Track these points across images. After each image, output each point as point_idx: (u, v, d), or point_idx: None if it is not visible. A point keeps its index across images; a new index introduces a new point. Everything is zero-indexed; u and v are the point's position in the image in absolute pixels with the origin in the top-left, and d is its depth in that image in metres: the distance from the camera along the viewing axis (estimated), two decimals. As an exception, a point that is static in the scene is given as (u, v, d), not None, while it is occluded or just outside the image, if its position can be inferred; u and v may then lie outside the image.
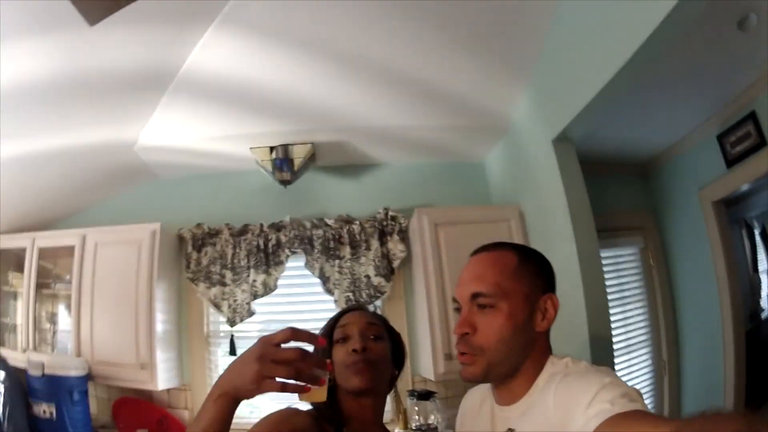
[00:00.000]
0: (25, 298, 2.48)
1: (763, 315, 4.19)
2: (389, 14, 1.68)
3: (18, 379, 2.08)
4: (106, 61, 1.59)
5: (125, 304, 2.25)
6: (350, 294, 2.25)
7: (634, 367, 2.55)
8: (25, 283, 2.49)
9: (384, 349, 1.02)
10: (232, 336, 2.38)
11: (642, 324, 2.63)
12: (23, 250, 2.50)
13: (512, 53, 1.97)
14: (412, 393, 2.17)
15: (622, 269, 2.62)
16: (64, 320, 2.48)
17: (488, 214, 2.21)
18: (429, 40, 1.82)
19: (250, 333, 2.43)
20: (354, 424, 0.96)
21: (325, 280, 2.31)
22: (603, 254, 2.04)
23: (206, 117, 2.11)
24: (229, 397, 0.69)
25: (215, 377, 2.40)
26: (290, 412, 0.91)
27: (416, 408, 2.15)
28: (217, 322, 2.52)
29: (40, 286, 2.50)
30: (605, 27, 1.58)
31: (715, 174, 2.53)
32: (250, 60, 1.78)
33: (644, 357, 2.61)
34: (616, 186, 2.64)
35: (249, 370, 0.66)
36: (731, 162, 2.46)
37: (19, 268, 2.55)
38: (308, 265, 2.34)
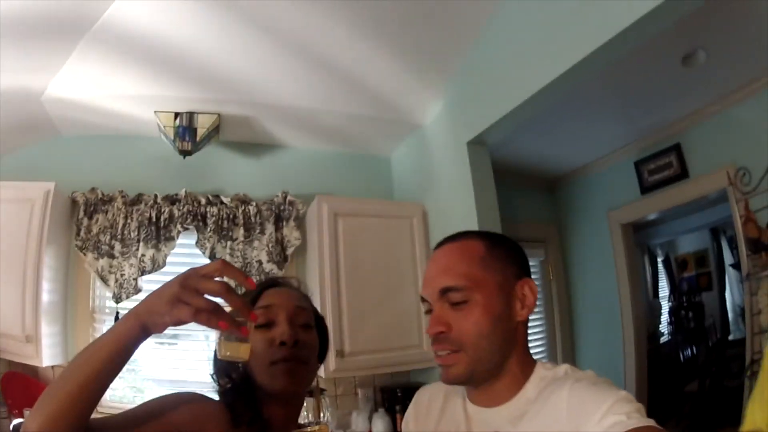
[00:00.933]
0: None
1: (662, 339, 4.49)
2: None
3: None
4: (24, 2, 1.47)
5: (12, 268, 2.06)
6: None
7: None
8: None
9: (314, 341, 0.87)
10: (117, 313, 2.24)
11: (539, 337, 2.70)
12: None
13: (438, 54, 1.98)
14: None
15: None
16: None
17: (391, 209, 2.20)
18: (356, 28, 1.79)
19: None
20: (273, 430, 0.81)
21: (213, 259, 2.21)
22: None
23: (117, 73, 1.98)
24: (138, 319, 0.60)
25: None
26: (198, 397, 0.77)
27: (304, 404, 2.10)
28: (103, 296, 2.35)
29: None
30: (540, 41, 1.61)
31: (627, 198, 2.65)
32: (171, 19, 1.70)
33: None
34: (524, 196, 2.72)
35: (167, 292, 0.59)
36: (646, 189, 2.59)
37: None
38: (199, 244, 2.23)
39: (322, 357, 0.94)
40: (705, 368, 3.93)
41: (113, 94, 2.12)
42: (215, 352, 0.79)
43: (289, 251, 2.25)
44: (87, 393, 0.59)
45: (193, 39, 1.81)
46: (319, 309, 2.00)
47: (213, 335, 2.06)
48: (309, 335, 0.85)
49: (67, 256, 2.35)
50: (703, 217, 3.72)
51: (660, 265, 4.70)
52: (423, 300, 0.78)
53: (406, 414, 0.91)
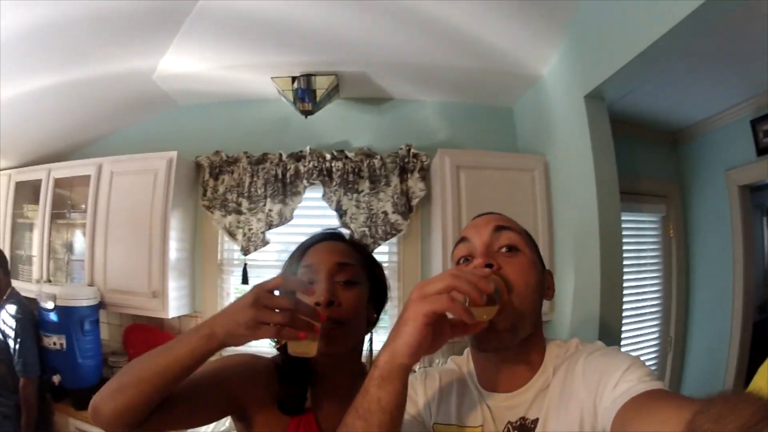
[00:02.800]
0: (40, 229, 2.53)
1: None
2: None
3: (31, 311, 2.11)
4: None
5: (139, 233, 2.28)
6: (366, 229, 2.24)
7: (641, 338, 2.52)
8: (40, 214, 2.54)
9: (357, 299, 0.84)
10: (245, 265, 2.41)
11: (654, 295, 2.60)
12: (39, 182, 2.53)
13: (556, 5, 1.88)
14: None
15: (641, 235, 2.57)
16: (79, 249, 2.53)
17: (512, 162, 2.15)
18: None
19: (263, 262, 2.47)
20: (326, 382, 0.84)
21: (341, 213, 2.30)
22: (623, 217, 1.99)
23: (227, 46, 2.05)
24: (216, 339, 0.67)
25: (227, 303, 2.49)
26: (249, 357, 0.84)
27: None
28: (231, 250, 2.54)
29: (55, 216, 2.54)
30: None
31: (744, 158, 2.47)
32: None
33: (652, 330, 2.59)
34: (644, 150, 2.56)
35: (244, 316, 0.65)
36: (762, 150, 2.38)
37: (35, 199, 2.59)
38: (326, 197, 2.32)
39: (379, 305, 0.93)
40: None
41: (225, 65, 2.20)
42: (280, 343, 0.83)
43: (414, 202, 2.28)
44: (157, 394, 0.68)
45: (298, 5, 1.79)
46: (441, 257, 2.05)
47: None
48: (350, 293, 0.82)
49: (194, 215, 2.54)
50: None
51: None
52: (461, 246, 0.79)
53: (427, 374, 0.86)
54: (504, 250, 0.74)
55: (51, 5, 1.54)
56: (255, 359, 0.85)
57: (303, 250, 0.88)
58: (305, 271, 0.83)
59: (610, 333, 1.85)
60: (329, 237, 0.91)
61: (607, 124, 1.94)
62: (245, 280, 2.41)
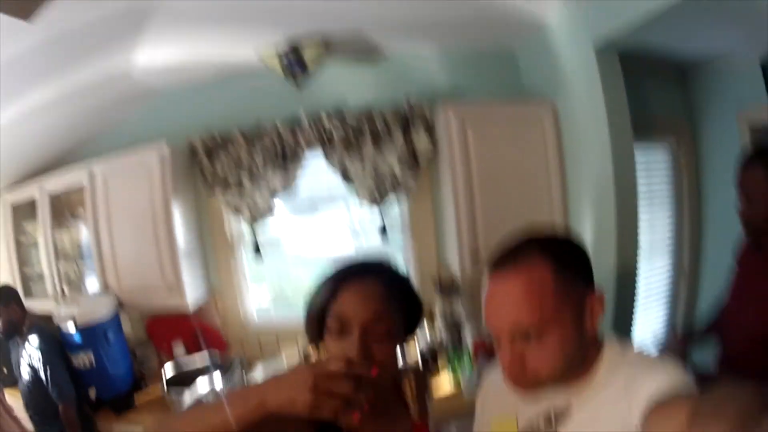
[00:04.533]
0: (43, 244, 2.49)
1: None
2: None
3: (53, 337, 2.08)
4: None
5: (144, 229, 2.24)
6: (374, 189, 2.20)
7: (655, 271, 2.54)
8: (40, 230, 2.50)
9: (391, 353, 0.79)
10: (255, 237, 2.40)
11: (666, 230, 2.60)
12: (34, 199, 2.47)
13: None
14: (438, 287, 2.18)
15: (652, 171, 2.53)
16: (88, 255, 2.49)
17: (520, 112, 2.06)
18: None
19: (272, 232, 2.47)
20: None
21: (346, 176, 2.24)
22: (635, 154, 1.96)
23: (200, 34, 1.91)
24: (266, 411, 0.63)
25: (243, 280, 2.52)
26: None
27: (441, 302, 2.18)
28: (238, 225, 2.52)
29: (57, 224, 2.50)
30: None
31: (755, 101, 2.38)
32: None
33: (665, 263, 2.61)
34: (653, 85, 2.47)
35: (302, 399, 0.62)
36: None
37: (33, 215, 2.53)
38: (329, 161, 2.25)
39: (411, 328, 0.87)
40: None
41: (204, 49, 2.06)
42: None
43: (421, 159, 2.20)
44: None
45: None
46: (453, 213, 2.01)
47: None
48: (385, 349, 0.76)
49: (195, 199, 2.49)
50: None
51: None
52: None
53: (479, 396, 0.96)
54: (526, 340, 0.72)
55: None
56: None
57: (334, 286, 0.79)
58: (336, 319, 0.76)
59: (625, 282, 1.86)
60: (364, 273, 0.80)
61: (619, 73, 1.89)
62: (258, 251, 2.42)
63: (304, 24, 1.96)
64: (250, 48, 2.05)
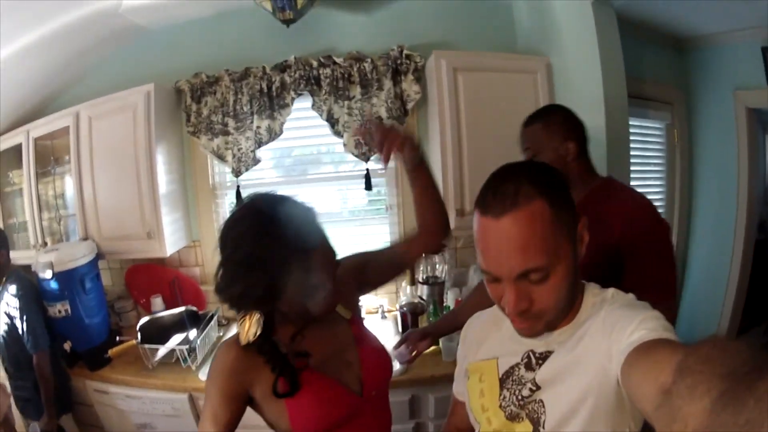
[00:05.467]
0: (27, 192, 2.42)
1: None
2: None
3: (32, 285, 2.03)
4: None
5: (127, 174, 2.18)
6: (360, 137, 2.13)
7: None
8: (25, 177, 2.42)
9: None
10: (238, 186, 2.35)
11: (658, 202, 2.57)
12: (20, 145, 2.39)
13: None
14: None
15: (646, 141, 2.49)
16: (70, 203, 2.43)
17: (513, 64, 2.01)
18: None
19: (256, 181, 2.40)
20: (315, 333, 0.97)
21: (333, 122, 2.18)
22: (629, 123, 1.93)
23: None
24: None
25: None
26: (229, 359, 0.89)
27: (423, 260, 2.14)
28: (222, 173, 2.47)
29: (40, 175, 2.43)
30: None
31: (752, 81, 2.41)
32: None
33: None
34: (651, 53, 2.42)
35: None
36: None
37: (19, 164, 2.45)
38: (315, 107, 2.19)
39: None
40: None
41: None
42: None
43: (410, 105, 2.16)
44: None
45: None
46: (440, 165, 1.96)
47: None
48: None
49: (180, 144, 2.42)
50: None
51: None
52: (487, 272, 0.72)
53: (461, 343, 0.96)
54: (533, 280, 0.70)
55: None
56: (232, 357, 0.89)
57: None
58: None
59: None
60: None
61: (616, 30, 1.84)
62: (240, 200, 2.34)
63: None
64: None
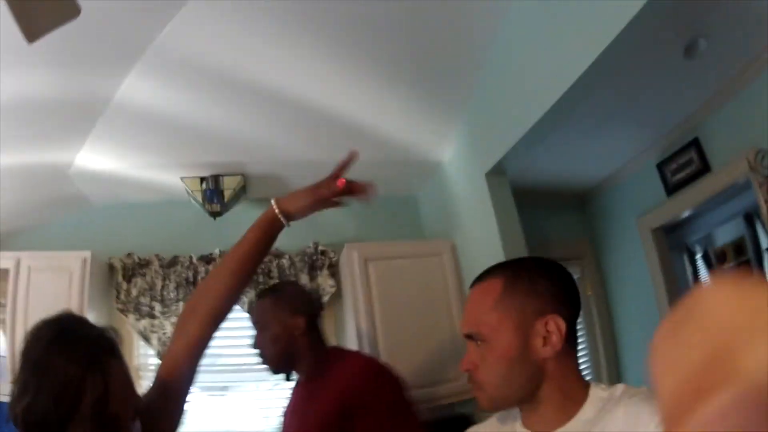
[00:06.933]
0: None
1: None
2: (321, 52, 1.71)
3: None
4: (38, 91, 1.60)
5: None
6: None
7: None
8: None
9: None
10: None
11: (582, 356, 2.65)
12: None
13: (446, 90, 2.00)
14: None
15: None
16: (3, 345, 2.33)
17: (420, 249, 2.20)
18: (362, 79, 1.85)
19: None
20: None
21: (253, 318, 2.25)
22: None
23: (139, 146, 2.08)
24: None
25: None
26: None
27: None
28: (146, 354, 2.43)
29: None
30: (541, 62, 1.61)
31: (655, 202, 2.58)
32: (179, 94, 1.80)
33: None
34: (554, 215, 2.68)
35: None
36: (672, 189, 2.51)
37: None
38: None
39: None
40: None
41: (138, 164, 2.21)
42: None
43: (325, 299, 2.27)
44: None
45: (207, 108, 1.90)
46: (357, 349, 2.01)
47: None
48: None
49: (108, 318, 2.42)
50: (735, 205, 3.58)
51: (699, 261, 4.56)
52: None
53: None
54: (476, 344, 0.76)
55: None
56: None
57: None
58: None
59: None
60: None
61: (510, 197, 2.02)
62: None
63: (228, 160, 2.15)
64: (177, 172, 2.22)
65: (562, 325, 0.73)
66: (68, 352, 0.69)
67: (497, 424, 0.85)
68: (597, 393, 0.73)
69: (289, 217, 1.02)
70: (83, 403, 0.66)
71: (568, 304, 0.77)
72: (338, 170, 1.02)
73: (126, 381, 0.75)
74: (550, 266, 0.81)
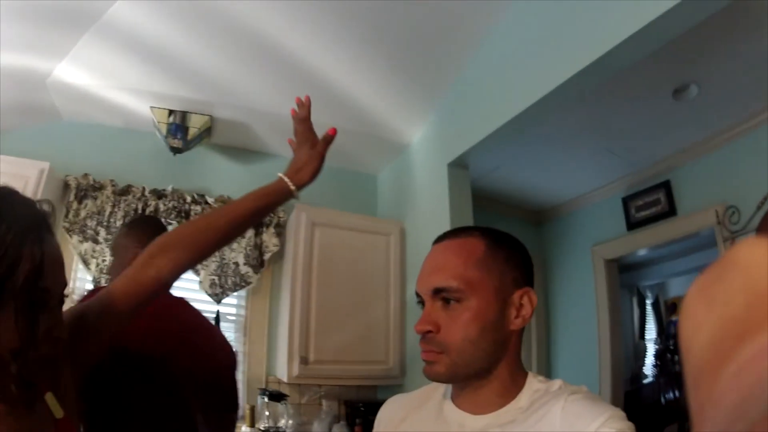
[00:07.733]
0: None
1: (645, 380, 4.43)
2: (317, 12, 1.70)
3: None
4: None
5: None
6: (215, 278, 2.20)
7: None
8: None
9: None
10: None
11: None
12: None
13: (425, 77, 2.01)
14: (264, 392, 2.14)
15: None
16: None
17: (370, 225, 2.21)
18: (350, 46, 1.85)
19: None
20: None
21: None
22: None
23: (120, 66, 2.07)
24: None
25: None
26: None
27: (267, 409, 2.12)
28: (83, 279, 2.40)
29: None
30: (520, 69, 1.64)
31: (614, 233, 2.60)
32: (167, 23, 1.80)
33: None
34: (508, 227, 2.60)
35: None
36: (633, 225, 2.54)
37: None
38: None
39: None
40: (686, 411, 3.83)
41: (114, 85, 2.20)
42: None
43: (266, 256, 2.27)
44: None
45: (189, 43, 1.89)
46: (288, 314, 2.02)
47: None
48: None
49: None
50: (694, 260, 3.68)
51: (649, 307, 4.66)
52: (416, 294, 0.75)
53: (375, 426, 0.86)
54: (443, 302, 0.70)
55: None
56: None
57: None
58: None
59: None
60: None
61: (468, 190, 2.03)
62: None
63: (200, 98, 2.13)
64: (148, 100, 2.20)
65: (535, 300, 0.71)
66: (8, 221, 0.66)
67: (422, 398, 0.81)
68: (534, 383, 0.71)
69: (303, 187, 1.01)
70: (18, 271, 0.63)
71: (532, 284, 0.75)
72: (303, 115, 1.02)
73: (59, 259, 0.73)
74: (521, 243, 0.79)
